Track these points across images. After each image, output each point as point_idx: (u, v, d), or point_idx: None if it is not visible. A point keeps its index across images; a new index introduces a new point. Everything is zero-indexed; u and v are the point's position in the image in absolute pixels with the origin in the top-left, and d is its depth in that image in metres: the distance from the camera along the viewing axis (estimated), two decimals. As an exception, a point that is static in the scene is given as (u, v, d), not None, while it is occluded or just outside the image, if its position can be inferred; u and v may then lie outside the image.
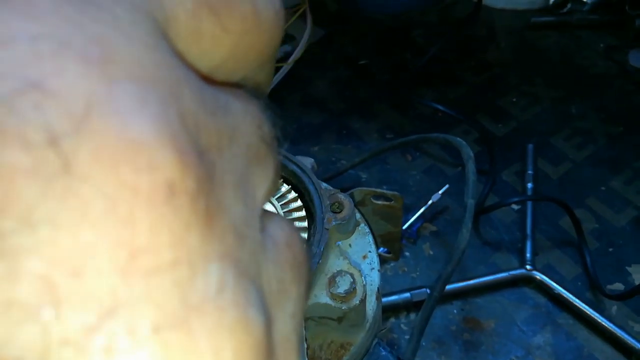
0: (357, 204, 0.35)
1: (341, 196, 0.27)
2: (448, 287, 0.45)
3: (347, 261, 0.26)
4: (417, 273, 0.48)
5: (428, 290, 0.45)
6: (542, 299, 0.45)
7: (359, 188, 0.34)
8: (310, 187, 0.26)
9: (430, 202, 0.50)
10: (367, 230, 0.30)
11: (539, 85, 0.62)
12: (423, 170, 0.55)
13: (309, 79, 0.65)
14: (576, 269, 0.47)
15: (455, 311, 0.45)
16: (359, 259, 0.28)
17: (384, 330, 0.43)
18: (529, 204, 0.49)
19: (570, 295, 0.44)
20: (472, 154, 0.40)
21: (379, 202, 0.35)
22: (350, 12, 0.71)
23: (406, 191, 0.54)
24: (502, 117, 0.59)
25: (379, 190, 0.35)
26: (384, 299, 0.45)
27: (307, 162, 0.33)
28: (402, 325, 0.45)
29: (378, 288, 0.28)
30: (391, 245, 0.41)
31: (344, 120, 0.61)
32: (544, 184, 0.53)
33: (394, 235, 0.38)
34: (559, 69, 0.63)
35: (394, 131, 0.59)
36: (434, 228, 0.51)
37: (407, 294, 0.45)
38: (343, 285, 0.24)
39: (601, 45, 0.65)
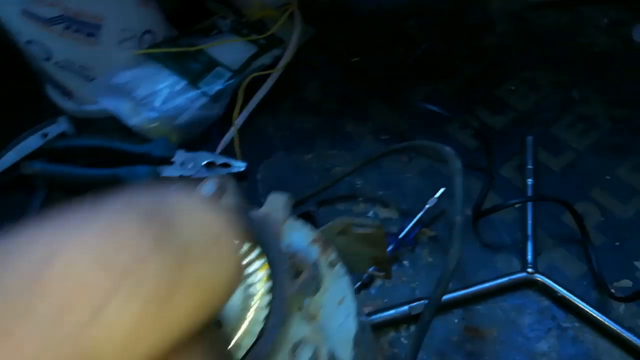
0: (339, 233, 0.35)
1: (301, 256, 0.26)
2: (448, 296, 0.44)
3: (313, 326, 0.25)
4: (417, 282, 0.47)
5: (427, 302, 0.44)
6: (546, 302, 0.44)
7: (339, 218, 0.33)
8: (269, 250, 0.25)
9: (426, 206, 0.49)
10: (343, 271, 0.29)
11: (539, 70, 0.59)
12: (419, 171, 0.54)
13: (300, 83, 0.63)
14: (581, 266, 0.46)
15: (456, 320, 0.44)
16: (334, 304, 0.27)
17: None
18: (529, 203, 0.48)
19: (575, 298, 0.43)
20: (460, 166, 0.38)
21: (361, 231, 0.34)
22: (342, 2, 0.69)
23: (403, 195, 0.53)
24: (500, 107, 0.57)
25: (357, 220, 0.34)
26: (383, 314, 0.44)
27: (280, 200, 0.32)
28: (402, 339, 0.44)
29: (355, 336, 0.27)
30: (381, 266, 0.40)
31: (338, 123, 0.59)
32: (545, 177, 0.51)
33: (381, 259, 0.37)
34: (560, 50, 0.60)
35: (389, 131, 0.57)
36: (432, 233, 0.50)
37: (406, 308, 0.44)
38: (303, 357, 0.24)
39: (605, 20, 0.61)
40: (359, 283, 0.47)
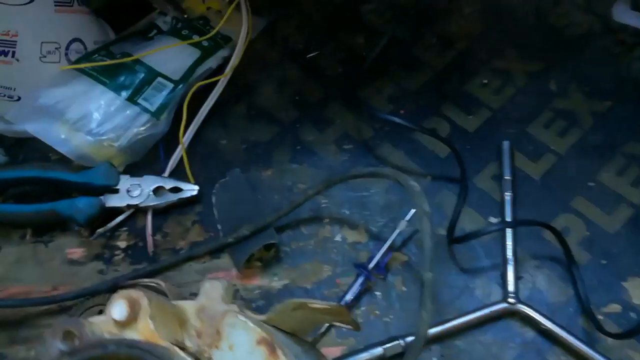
0: (294, 309, 0.30)
1: None
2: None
3: None
4: (391, 315, 0.43)
5: (402, 342, 0.40)
6: (530, 334, 0.41)
7: (291, 300, 0.29)
8: None
9: (396, 231, 0.45)
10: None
11: (512, 59, 0.54)
12: (388, 186, 0.49)
13: (253, 85, 0.57)
14: (566, 290, 0.42)
15: (434, 359, 0.41)
16: None
17: None
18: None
19: (560, 330, 0.39)
20: (428, 208, 0.34)
21: (319, 306, 0.29)
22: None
23: (371, 213, 0.48)
24: (472, 106, 0.52)
25: (311, 301, 0.29)
26: (353, 358, 0.41)
27: (218, 288, 0.27)
28: (378, 383, 0.41)
29: None
30: (346, 323, 0.36)
31: (297, 132, 0.54)
32: (524, 186, 0.47)
33: (344, 321, 0.33)
34: (534, 33, 0.55)
35: (352, 140, 0.52)
36: (404, 257, 0.45)
37: (380, 349, 0.40)
38: None
39: (581, -5, 0.56)
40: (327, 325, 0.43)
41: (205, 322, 0.26)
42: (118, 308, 0.22)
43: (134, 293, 0.22)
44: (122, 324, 0.22)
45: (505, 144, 0.47)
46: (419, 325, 0.30)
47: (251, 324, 0.26)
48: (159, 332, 0.22)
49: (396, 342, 0.40)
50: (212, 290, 0.27)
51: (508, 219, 0.44)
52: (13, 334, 0.46)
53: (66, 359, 0.20)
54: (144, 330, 0.22)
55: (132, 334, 0.22)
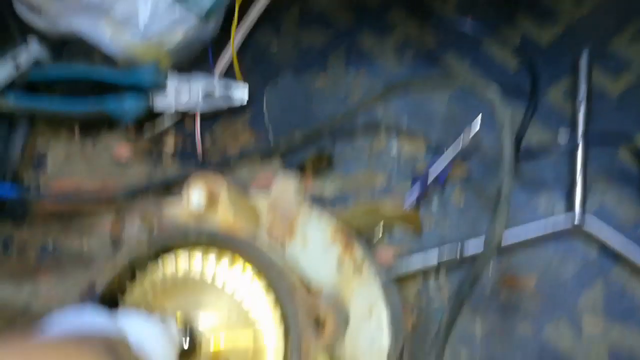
0: (365, 211, 0.29)
1: (324, 304, 0.20)
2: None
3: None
4: (446, 229, 0.42)
5: (458, 247, 0.39)
6: (593, 252, 0.39)
7: (364, 202, 0.28)
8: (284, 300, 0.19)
9: (459, 143, 0.43)
10: (373, 272, 0.24)
11: (596, -37, 0.49)
12: (451, 95, 0.46)
13: (306, -12, 0.53)
14: (637, 212, 0.40)
15: (490, 267, 0.40)
16: (363, 316, 0.23)
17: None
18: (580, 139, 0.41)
19: (626, 248, 0.38)
20: (509, 121, 0.31)
21: (391, 211, 0.28)
22: None
23: (431, 124, 0.46)
24: (547, 17, 0.48)
25: (385, 204, 0.28)
26: (408, 258, 0.40)
27: (290, 184, 0.26)
28: (430, 290, 0.40)
29: (389, 352, 0.23)
30: (411, 223, 0.35)
31: (353, 38, 0.51)
32: (599, 103, 0.44)
33: (414, 225, 0.32)
34: None
35: (414, 48, 0.49)
36: (464, 171, 0.44)
37: (435, 253, 0.40)
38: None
39: None
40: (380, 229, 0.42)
41: (277, 217, 0.25)
42: (197, 194, 0.21)
43: (212, 179, 0.21)
44: (201, 211, 0.21)
45: (584, 57, 0.44)
46: (491, 236, 0.29)
47: (325, 218, 0.25)
48: (238, 223, 0.22)
49: (453, 245, 0.39)
50: (286, 185, 0.26)
51: (580, 135, 0.42)
52: (66, 224, 0.46)
53: (148, 242, 0.20)
54: (223, 219, 0.21)
55: (210, 222, 0.21)
